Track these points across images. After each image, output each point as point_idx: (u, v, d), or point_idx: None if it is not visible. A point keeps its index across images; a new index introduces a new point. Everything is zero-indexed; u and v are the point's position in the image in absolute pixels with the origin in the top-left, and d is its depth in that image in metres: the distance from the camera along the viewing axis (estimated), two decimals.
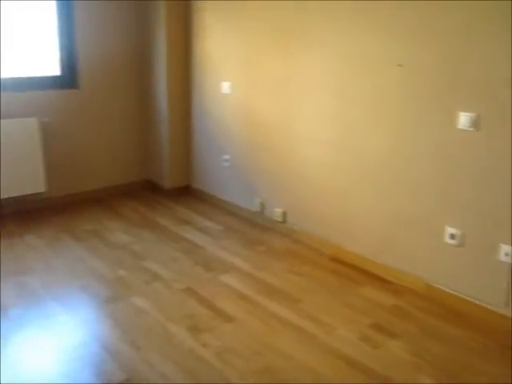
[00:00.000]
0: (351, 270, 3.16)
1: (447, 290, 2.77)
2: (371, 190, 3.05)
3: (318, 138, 3.31)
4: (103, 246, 3.43)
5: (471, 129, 2.52)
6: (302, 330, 2.50)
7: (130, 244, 3.47)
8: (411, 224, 2.87)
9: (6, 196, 3.80)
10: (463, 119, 2.54)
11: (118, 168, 4.46)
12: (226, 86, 3.92)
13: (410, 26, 2.69)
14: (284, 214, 3.68)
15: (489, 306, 2.60)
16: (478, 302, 2.64)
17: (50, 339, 2.40)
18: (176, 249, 3.42)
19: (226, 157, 4.07)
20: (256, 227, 3.82)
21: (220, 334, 2.45)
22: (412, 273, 2.92)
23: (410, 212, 2.87)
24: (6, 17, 3.68)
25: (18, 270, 3.06)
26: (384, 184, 2.98)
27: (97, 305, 2.71)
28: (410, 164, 2.82)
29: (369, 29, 2.89)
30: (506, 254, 2.50)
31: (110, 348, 2.32)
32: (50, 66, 3.97)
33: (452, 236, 2.70)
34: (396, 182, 2.91)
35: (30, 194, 3.96)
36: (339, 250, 3.31)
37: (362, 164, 3.07)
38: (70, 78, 4.05)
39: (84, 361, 2.23)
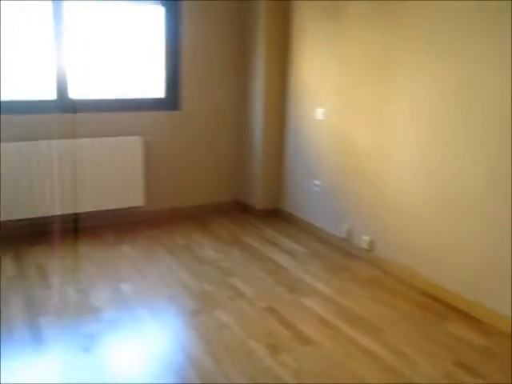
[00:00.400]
0: (439, 305, 3.05)
1: None
2: (467, 225, 2.94)
3: (411, 166, 3.26)
4: (193, 261, 3.57)
5: None
6: (381, 360, 2.46)
7: (217, 261, 3.59)
8: (508, 265, 2.74)
9: (106, 208, 4.08)
10: None
11: (212, 187, 4.64)
12: (320, 112, 3.98)
13: None
14: (372, 242, 3.64)
15: None
16: None
17: (137, 343, 2.54)
18: (261, 268, 3.49)
19: (317, 182, 4.10)
20: (342, 253, 3.81)
21: (298, 356, 2.46)
22: (504, 314, 2.77)
23: (508, 252, 2.74)
24: (120, 43, 4.00)
25: (113, 277, 3.27)
26: (480, 221, 2.86)
27: (182, 315, 2.82)
28: (510, 202, 2.70)
29: (469, 57, 2.83)
30: None
31: (191, 357, 2.41)
32: (155, 88, 4.24)
33: None
34: (492, 220, 2.79)
35: (129, 208, 4.22)
36: (427, 282, 3.21)
37: (457, 197, 2.98)
38: (173, 100, 4.30)
39: (166, 366, 2.34)
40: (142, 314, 2.82)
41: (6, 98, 3.69)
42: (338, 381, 2.27)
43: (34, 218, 3.87)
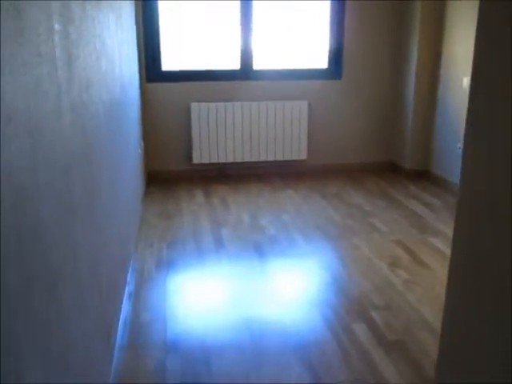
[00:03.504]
0: None
1: None
2: None
3: None
4: (341, 204, 4.32)
5: None
6: None
7: (362, 206, 4.29)
8: None
9: (276, 159, 5.00)
10: None
11: (367, 148, 5.29)
12: (465, 81, 4.39)
13: None
14: None
15: None
16: None
17: (290, 253, 3.39)
18: (399, 214, 4.10)
19: (459, 144, 4.53)
20: None
21: (411, 272, 3.10)
22: None
23: None
24: (291, 19, 4.83)
25: (277, 209, 4.17)
26: None
27: (326, 239, 3.61)
28: None
29: None
30: None
31: (329, 261, 3.20)
32: (320, 59, 5.00)
33: None
34: None
35: (295, 160, 5.09)
36: None
37: None
38: (335, 70, 5.03)
39: (309, 270, 3.16)
40: (295, 235, 3.67)
41: (199, 67, 4.77)
42: (439, 296, 2.87)
43: (220, 163, 4.94)
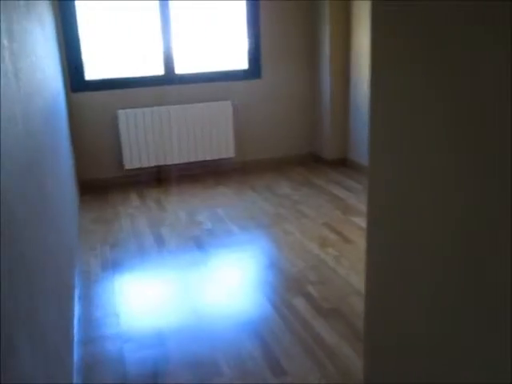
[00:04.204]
0: None
1: None
2: None
3: None
4: (271, 195, 4.59)
5: None
6: None
7: (290, 195, 4.58)
8: None
9: (206, 158, 5.20)
10: None
11: (290, 142, 5.60)
12: None
13: None
14: None
15: None
16: None
17: (228, 242, 3.61)
18: (324, 200, 4.43)
19: None
20: None
21: (340, 249, 3.41)
22: None
23: None
24: (210, 23, 5.05)
25: (211, 205, 4.38)
26: None
27: (260, 227, 3.86)
28: None
29: None
30: None
31: (266, 247, 3.45)
32: (240, 60, 5.26)
33: None
34: None
35: (223, 159, 5.31)
36: None
37: None
38: (254, 70, 5.30)
39: (247, 253, 3.40)
40: (231, 226, 3.90)
41: (123, 75, 4.89)
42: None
43: (152, 167, 5.08)
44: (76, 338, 2.49)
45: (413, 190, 1.30)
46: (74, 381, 2.23)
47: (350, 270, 3.15)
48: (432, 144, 1.19)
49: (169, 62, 4.98)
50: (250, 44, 5.24)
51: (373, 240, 1.60)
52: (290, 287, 2.99)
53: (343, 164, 5.45)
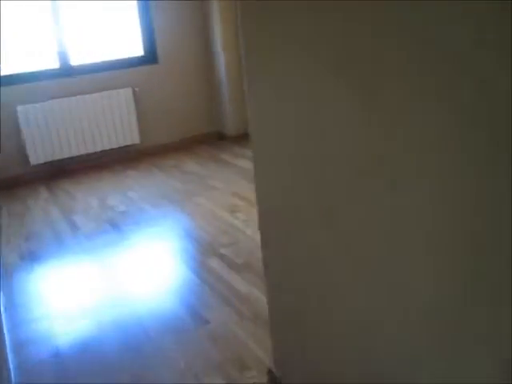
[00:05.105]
0: None
1: None
2: None
3: None
4: (180, 173, 4.79)
5: None
6: None
7: (199, 171, 4.81)
8: None
9: (112, 147, 5.29)
10: None
11: (195, 122, 5.80)
12: None
13: None
14: None
15: None
16: None
17: (144, 220, 3.79)
18: (231, 172, 4.70)
19: None
20: None
21: (248, 214, 3.70)
22: None
23: None
24: (98, 10, 5.11)
25: (122, 189, 4.51)
26: None
27: (172, 203, 4.07)
28: None
29: None
30: None
31: (179, 219, 3.67)
32: (136, 47, 5.36)
33: None
34: None
35: (129, 145, 5.42)
36: None
37: None
38: (151, 55, 5.43)
39: (161, 224, 3.60)
40: (144, 206, 4.07)
41: (19, 70, 4.85)
42: None
43: (59, 160, 5.09)
44: (6, 325, 2.59)
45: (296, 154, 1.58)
46: (10, 360, 2.35)
47: (257, 230, 3.44)
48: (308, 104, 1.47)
49: (63, 54, 4.99)
50: (144, 30, 5.35)
51: (260, 193, 1.87)
52: (204, 251, 3.24)
53: (246, 138, 5.72)
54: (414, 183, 1.10)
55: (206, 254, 3.19)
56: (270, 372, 2.07)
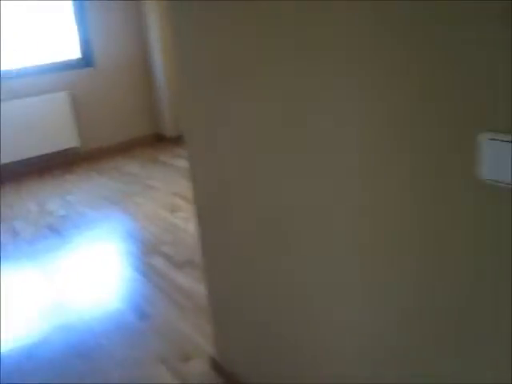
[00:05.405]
0: None
1: None
2: None
3: None
4: (120, 175, 4.83)
5: None
6: None
7: (139, 173, 4.86)
8: None
9: (51, 151, 5.24)
10: None
11: (135, 125, 5.81)
12: None
13: None
14: None
15: None
16: None
17: (84, 221, 3.82)
18: (170, 172, 4.77)
19: None
20: None
21: (188, 212, 3.80)
22: None
23: None
24: (32, 13, 5.06)
25: (61, 193, 4.50)
26: None
27: (114, 206, 4.11)
28: None
29: None
30: None
31: (120, 221, 3.72)
32: (72, 51, 5.33)
33: None
34: None
35: (68, 149, 5.39)
36: None
37: None
38: (87, 59, 5.41)
39: (105, 223, 3.64)
40: (83, 209, 4.09)
41: None
42: None
43: None
44: None
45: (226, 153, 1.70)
46: None
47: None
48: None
49: None
50: (80, 31, 5.32)
51: (198, 190, 1.99)
52: (147, 251, 3.32)
53: (183, 139, 5.80)
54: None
55: (149, 253, 3.27)
56: (213, 360, 2.20)
